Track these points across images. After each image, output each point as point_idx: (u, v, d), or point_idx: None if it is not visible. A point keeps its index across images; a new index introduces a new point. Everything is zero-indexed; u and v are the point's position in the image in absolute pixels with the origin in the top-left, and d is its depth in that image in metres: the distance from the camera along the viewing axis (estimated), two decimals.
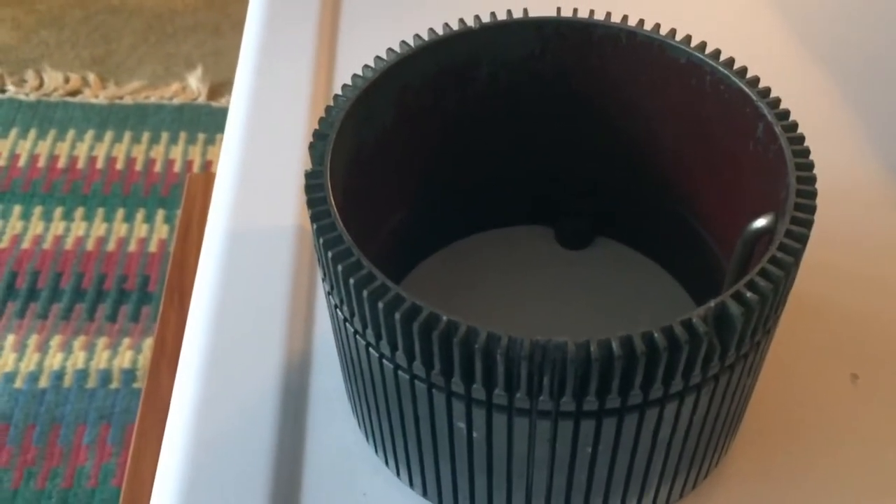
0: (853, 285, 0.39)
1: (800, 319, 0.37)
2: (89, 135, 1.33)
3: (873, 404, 0.35)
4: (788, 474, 0.33)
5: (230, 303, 0.38)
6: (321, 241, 0.27)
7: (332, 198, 0.28)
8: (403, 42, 0.33)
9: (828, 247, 0.39)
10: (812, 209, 0.27)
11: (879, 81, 0.48)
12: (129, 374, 1.05)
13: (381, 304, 0.25)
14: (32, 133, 1.33)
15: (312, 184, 0.28)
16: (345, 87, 0.31)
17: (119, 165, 1.29)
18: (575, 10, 0.34)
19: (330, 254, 0.27)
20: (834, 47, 0.50)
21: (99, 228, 1.21)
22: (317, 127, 0.30)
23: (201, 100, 1.40)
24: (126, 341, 1.08)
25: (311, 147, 0.30)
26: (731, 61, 0.31)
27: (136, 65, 1.46)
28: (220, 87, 1.42)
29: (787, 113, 0.30)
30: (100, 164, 1.29)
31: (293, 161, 0.43)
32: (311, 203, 0.28)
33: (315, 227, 0.27)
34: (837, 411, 0.35)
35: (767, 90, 0.30)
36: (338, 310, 0.29)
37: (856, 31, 0.51)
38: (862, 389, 0.36)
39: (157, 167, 1.30)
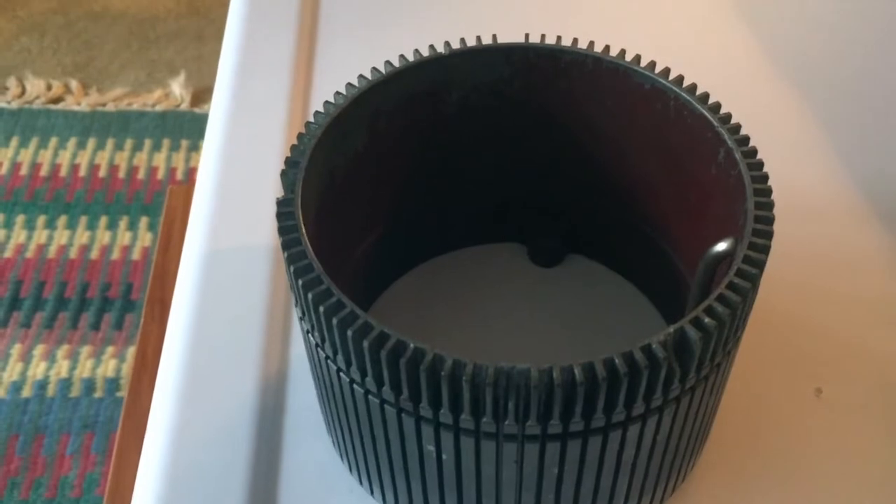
0: (817, 300, 0.40)
1: (765, 335, 0.38)
2: (72, 142, 1.33)
3: (837, 418, 0.36)
4: (754, 488, 0.34)
5: (207, 322, 0.39)
6: (292, 268, 0.28)
7: (302, 226, 0.28)
8: (374, 69, 0.33)
9: (793, 263, 0.40)
10: (769, 235, 0.28)
11: (845, 101, 0.49)
12: (113, 383, 1.05)
13: (349, 332, 0.26)
14: (14, 141, 1.33)
15: (283, 212, 0.29)
16: (317, 114, 0.32)
17: (102, 173, 1.29)
18: (542, 37, 0.34)
19: (300, 281, 0.27)
20: (799, 67, 0.51)
21: (82, 236, 1.21)
22: (289, 155, 0.31)
23: (184, 106, 1.40)
24: (110, 350, 1.08)
25: (283, 175, 0.30)
26: (693, 87, 0.32)
27: (118, 71, 1.46)
28: (204, 93, 1.42)
29: (746, 139, 0.30)
30: (83, 172, 1.29)
31: (270, 182, 0.44)
32: (282, 231, 0.28)
33: (286, 254, 0.28)
34: (802, 425, 0.36)
35: (728, 116, 0.31)
36: (310, 335, 0.29)
37: (820, 51, 0.52)
38: (826, 403, 0.37)
39: (141, 174, 1.30)
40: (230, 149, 0.46)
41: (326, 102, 0.32)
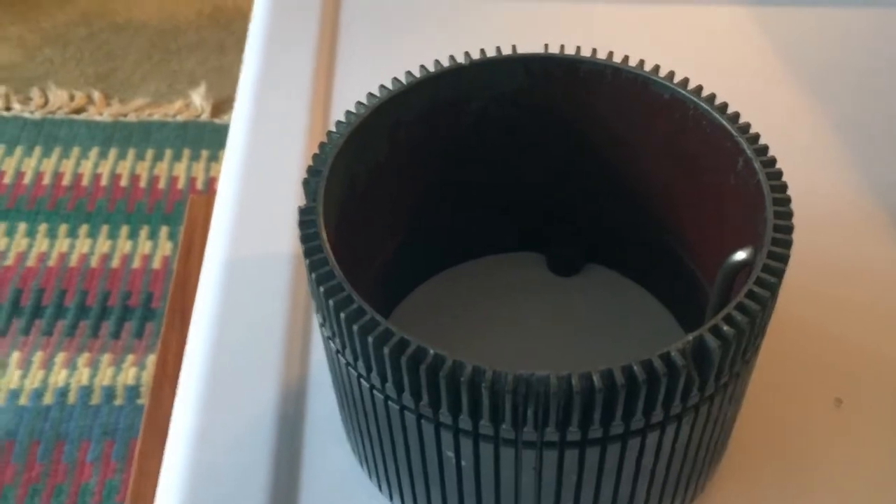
0: (837, 310, 0.40)
1: (785, 344, 0.38)
2: (94, 152, 1.35)
3: (857, 428, 0.36)
4: (773, 497, 0.34)
5: (228, 329, 0.39)
6: (314, 276, 0.28)
7: (324, 233, 0.29)
8: (395, 79, 0.34)
9: (812, 272, 0.40)
10: (788, 244, 0.28)
11: (863, 111, 0.49)
12: (133, 391, 1.06)
13: (370, 339, 0.26)
14: (37, 151, 1.35)
15: (306, 220, 0.29)
16: (338, 123, 0.32)
17: (123, 182, 1.31)
18: (562, 47, 0.35)
19: (322, 288, 0.28)
20: (818, 77, 0.51)
21: (103, 245, 1.22)
22: (310, 164, 0.31)
23: (205, 117, 1.41)
24: (130, 357, 1.09)
25: (305, 183, 0.31)
26: (712, 97, 0.32)
27: (140, 82, 1.48)
28: (224, 103, 1.44)
29: (765, 148, 0.31)
30: (104, 182, 1.31)
31: (290, 191, 0.44)
32: (304, 239, 0.29)
33: (308, 262, 0.28)
34: (822, 435, 0.36)
35: (747, 125, 0.31)
36: (330, 342, 0.29)
37: (838, 61, 0.52)
38: (846, 413, 0.37)
39: (161, 184, 1.31)
40: (251, 158, 0.46)
41: (348, 112, 0.33)
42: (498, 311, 0.40)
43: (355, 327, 0.26)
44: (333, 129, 0.32)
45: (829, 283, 0.41)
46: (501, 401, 0.26)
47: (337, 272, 0.28)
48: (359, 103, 0.33)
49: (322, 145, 0.32)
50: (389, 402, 0.28)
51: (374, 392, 0.28)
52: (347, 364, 0.29)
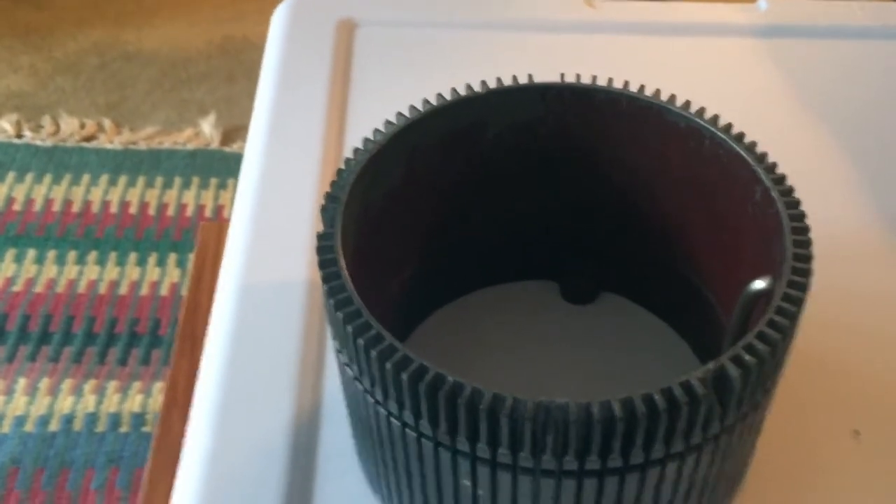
0: (855, 341, 0.40)
1: (802, 375, 0.38)
2: (104, 179, 1.35)
3: (875, 460, 0.36)
4: None
5: (241, 357, 0.39)
6: (332, 301, 0.28)
7: (342, 259, 0.29)
8: (412, 107, 0.34)
9: (830, 302, 0.40)
10: (808, 273, 0.28)
11: (880, 139, 0.49)
12: (139, 418, 1.05)
13: (388, 365, 0.26)
14: (48, 178, 1.35)
15: (324, 245, 0.29)
16: (356, 150, 0.32)
17: (132, 210, 1.31)
18: (578, 76, 0.35)
19: (340, 314, 0.27)
20: (834, 106, 0.51)
21: (112, 272, 1.22)
22: (328, 190, 0.31)
23: (214, 145, 1.42)
24: (136, 385, 1.09)
25: (323, 210, 0.31)
26: (728, 126, 0.32)
27: (150, 110, 1.49)
28: (233, 132, 1.45)
29: (783, 177, 0.31)
30: (113, 209, 1.31)
31: (304, 218, 0.44)
32: (322, 265, 0.29)
33: (326, 288, 0.28)
34: (840, 467, 0.36)
35: (764, 154, 0.31)
36: (347, 368, 0.29)
37: (855, 91, 0.53)
38: (864, 445, 0.36)
39: (170, 211, 1.31)
40: (265, 186, 0.46)
41: (365, 139, 0.33)
42: (511, 338, 0.39)
43: (374, 353, 0.26)
44: (348, 156, 0.32)
45: (848, 313, 0.40)
46: (521, 428, 0.25)
47: (355, 298, 0.28)
48: (376, 130, 0.33)
49: (340, 172, 0.32)
50: (406, 429, 0.28)
51: (391, 419, 0.28)
52: (364, 390, 0.29)
